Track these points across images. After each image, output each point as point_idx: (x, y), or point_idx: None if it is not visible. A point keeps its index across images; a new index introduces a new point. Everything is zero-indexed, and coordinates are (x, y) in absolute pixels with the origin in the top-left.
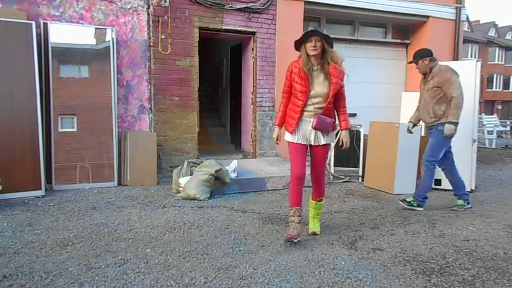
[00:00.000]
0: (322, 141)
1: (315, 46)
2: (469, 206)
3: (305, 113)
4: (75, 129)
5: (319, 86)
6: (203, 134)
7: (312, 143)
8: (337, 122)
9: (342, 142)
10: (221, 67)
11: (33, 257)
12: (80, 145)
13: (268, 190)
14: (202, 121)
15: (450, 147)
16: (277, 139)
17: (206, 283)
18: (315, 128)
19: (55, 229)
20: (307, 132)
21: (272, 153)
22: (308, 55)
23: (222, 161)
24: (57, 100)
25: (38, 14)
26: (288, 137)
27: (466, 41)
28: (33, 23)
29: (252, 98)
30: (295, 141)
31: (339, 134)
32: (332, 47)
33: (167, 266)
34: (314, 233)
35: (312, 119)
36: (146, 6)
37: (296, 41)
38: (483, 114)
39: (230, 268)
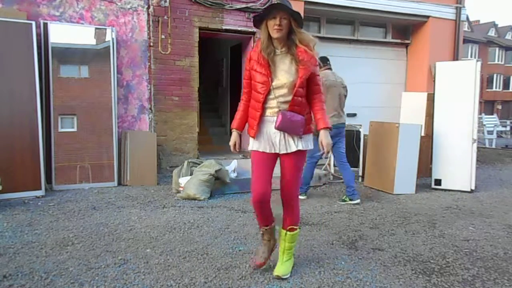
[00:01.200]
0: (293, 147)
1: (279, 26)
2: (303, 197)
3: (268, 111)
4: (75, 129)
5: (283, 74)
6: (203, 134)
7: (279, 150)
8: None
9: (321, 146)
10: (221, 67)
11: (33, 257)
12: (80, 145)
13: None
14: (202, 121)
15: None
16: (235, 146)
17: (206, 283)
18: (279, 128)
19: (55, 229)
20: (272, 136)
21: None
22: (270, 36)
23: (222, 161)
24: (57, 100)
25: (38, 14)
26: (250, 143)
27: (466, 41)
28: (33, 23)
29: None
30: (256, 149)
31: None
32: (301, 27)
33: (167, 266)
34: (278, 277)
35: (274, 118)
36: (146, 6)
37: (255, 17)
38: (483, 114)
39: (230, 268)
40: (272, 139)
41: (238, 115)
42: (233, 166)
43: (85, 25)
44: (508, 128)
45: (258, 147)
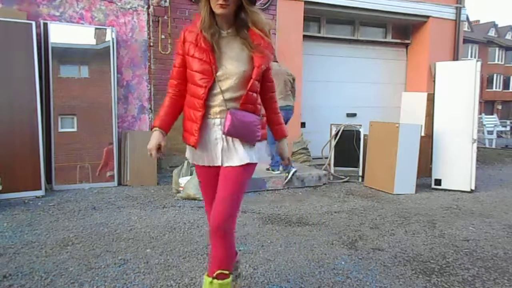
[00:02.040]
0: (243, 158)
1: (225, 0)
2: (277, 172)
3: (212, 110)
4: (75, 129)
5: (232, 62)
6: None
7: (222, 162)
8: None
9: (282, 157)
10: None
11: (33, 257)
12: (80, 145)
13: (268, 190)
14: None
15: None
16: (158, 148)
17: None
18: (229, 132)
19: (55, 229)
20: (213, 144)
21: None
22: (212, 12)
23: None
24: (57, 100)
25: (38, 14)
26: (189, 154)
27: (466, 41)
28: (33, 23)
29: None
30: (201, 163)
31: (338, 131)
32: (254, 4)
33: (167, 266)
34: None
35: (219, 120)
36: (146, 6)
37: None
38: (483, 114)
39: None
40: (214, 148)
41: (162, 111)
42: None
43: (85, 25)
44: (508, 128)
45: (203, 161)
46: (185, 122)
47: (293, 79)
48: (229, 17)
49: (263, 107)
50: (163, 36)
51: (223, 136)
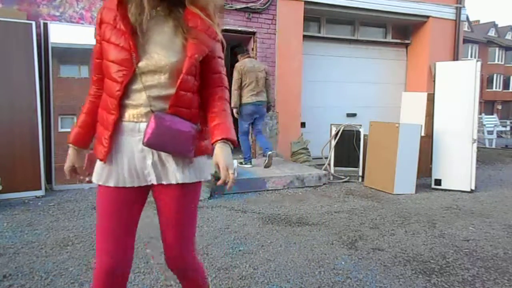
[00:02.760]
0: (177, 175)
1: None
2: (249, 165)
3: (130, 112)
4: None
5: (160, 50)
6: None
7: (151, 180)
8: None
9: (217, 167)
10: None
11: (33, 257)
12: None
13: (268, 190)
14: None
15: (253, 122)
16: (75, 170)
17: None
18: (149, 143)
19: (55, 229)
20: (137, 158)
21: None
22: None
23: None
24: (57, 100)
25: (38, 14)
26: (95, 171)
27: (466, 41)
28: (33, 23)
29: None
30: (106, 183)
31: (338, 131)
32: None
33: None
34: None
35: (144, 125)
36: None
37: None
38: (483, 114)
39: (230, 268)
40: (137, 162)
41: (79, 120)
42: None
43: (85, 25)
44: (508, 128)
45: (110, 180)
46: (97, 127)
47: (267, 73)
48: None
49: (204, 105)
50: None
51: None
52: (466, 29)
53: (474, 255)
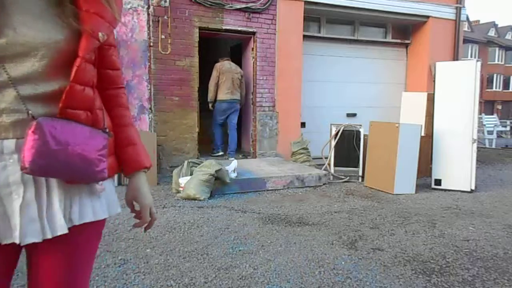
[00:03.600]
0: (74, 217)
1: None
2: (220, 153)
3: None
4: None
5: (32, 20)
6: (203, 134)
7: (22, 238)
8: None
9: (140, 205)
10: None
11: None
12: None
13: (268, 190)
14: (202, 121)
15: (227, 118)
16: None
17: (206, 283)
18: (32, 167)
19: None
20: (11, 197)
21: (272, 153)
22: None
23: (222, 161)
24: None
25: None
26: None
27: (466, 41)
28: None
29: (252, 98)
30: None
31: (338, 131)
32: None
33: (167, 266)
34: None
35: (11, 142)
36: (146, 6)
37: None
38: (483, 114)
39: (230, 268)
40: (4, 203)
41: None
42: (233, 166)
43: None
44: (508, 128)
45: None
46: None
47: (242, 76)
48: None
49: (106, 109)
50: (163, 36)
51: (25, 177)
52: (466, 29)
53: (474, 255)
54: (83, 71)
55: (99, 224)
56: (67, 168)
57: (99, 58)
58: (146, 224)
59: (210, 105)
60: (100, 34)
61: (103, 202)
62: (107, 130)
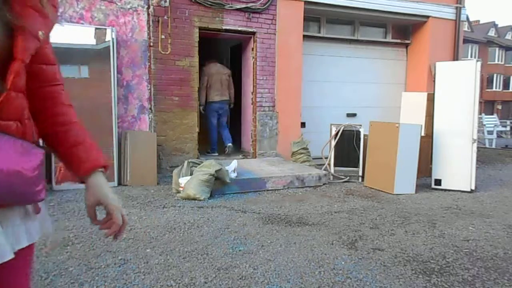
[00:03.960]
0: (7, 247)
1: None
2: (216, 154)
3: None
4: None
5: None
6: (203, 134)
7: None
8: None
9: (106, 209)
10: None
11: (33, 257)
12: None
13: (268, 190)
14: (202, 121)
15: (219, 117)
16: None
17: (206, 283)
18: None
19: (55, 229)
20: None
21: (272, 153)
22: None
23: (222, 161)
24: None
25: None
26: None
27: (466, 41)
28: None
29: (252, 98)
30: None
31: (338, 131)
32: None
33: (167, 266)
34: None
35: None
36: (146, 6)
37: None
38: (483, 114)
39: (230, 268)
40: None
41: None
42: (233, 166)
43: (85, 25)
44: (508, 128)
45: None
46: None
47: (229, 76)
48: None
49: (41, 115)
50: (163, 36)
51: None
52: (466, 29)
53: (474, 255)
54: (20, 76)
55: (27, 248)
56: (3, 190)
57: (37, 56)
58: (117, 230)
59: (201, 108)
60: (40, 32)
61: (36, 223)
62: (41, 144)
